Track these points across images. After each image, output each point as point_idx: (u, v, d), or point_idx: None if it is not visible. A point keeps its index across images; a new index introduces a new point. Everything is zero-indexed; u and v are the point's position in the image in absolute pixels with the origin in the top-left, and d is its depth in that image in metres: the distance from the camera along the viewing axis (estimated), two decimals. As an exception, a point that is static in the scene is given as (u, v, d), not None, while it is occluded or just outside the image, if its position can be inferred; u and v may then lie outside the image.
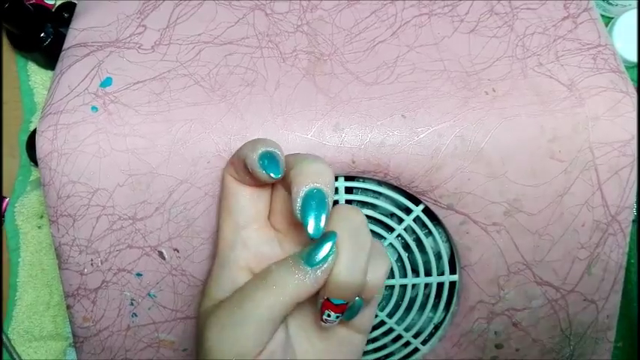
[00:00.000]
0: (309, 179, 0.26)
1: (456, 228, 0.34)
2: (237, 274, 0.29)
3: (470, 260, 0.35)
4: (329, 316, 0.27)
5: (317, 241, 0.26)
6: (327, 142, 0.33)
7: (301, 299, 0.27)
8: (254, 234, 0.29)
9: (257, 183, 0.29)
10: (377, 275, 0.28)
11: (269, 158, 0.27)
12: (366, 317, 0.30)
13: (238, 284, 0.28)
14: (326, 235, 0.26)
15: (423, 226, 0.35)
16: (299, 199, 0.26)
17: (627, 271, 0.38)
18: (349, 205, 0.29)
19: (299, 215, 0.26)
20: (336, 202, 0.35)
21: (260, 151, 0.27)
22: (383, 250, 0.29)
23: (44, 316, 0.47)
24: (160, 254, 0.34)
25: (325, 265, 0.26)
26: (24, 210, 0.48)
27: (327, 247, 0.26)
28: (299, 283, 0.26)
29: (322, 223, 0.26)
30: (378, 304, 0.37)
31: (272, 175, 0.27)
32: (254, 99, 0.33)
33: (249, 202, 0.29)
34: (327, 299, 0.27)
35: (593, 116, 0.33)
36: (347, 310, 0.28)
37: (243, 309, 0.27)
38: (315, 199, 0.26)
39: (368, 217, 0.35)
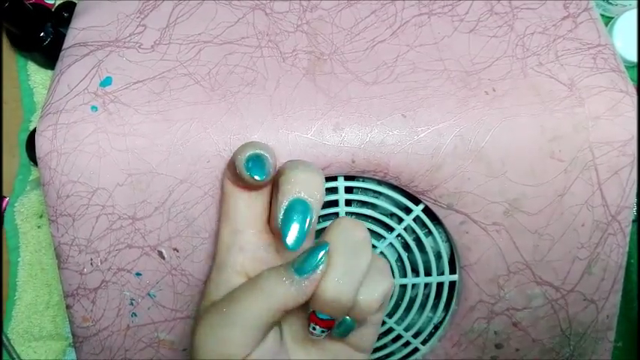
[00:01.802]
0: (295, 189, 0.26)
1: (456, 228, 0.34)
2: (234, 278, 0.29)
3: (470, 260, 0.35)
4: (314, 329, 0.27)
5: (309, 250, 0.26)
6: (327, 141, 0.33)
7: (288, 308, 0.26)
8: (251, 238, 0.29)
9: (249, 186, 0.28)
10: (372, 296, 0.27)
11: (254, 160, 0.26)
12: (365, 337, 0.29)
13: (234, 287, 0.28)
14: (318, 245, 0.26)
15: (423, 225, 0.35)
16: (282, 209, 0.26)
17: (627, 271, 0.38)
18: (354, 220, 0.28)
19: (279, 226, 0.26)
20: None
21: (247, 154, 0.27)
22: (386, 271, 0.28)
23: (44, 315, 0.47)
24: (160, 254, 0.34)
25: (312, 276, 0.25)
26: (23, 209, 0.47)
27: (317, 257, 0.25)
28: (286, 291, 0.26)
29: (301, 236, 0.25)
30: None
31: (256, 177, 0.26)
32: (254, 98, 0.33)
33: (245, 206, 0.29)
34: (313, 312, 0.27)
35: (593, 116, 0.33)
36: (336, 327, 0.27)
37: (231, 311, 0.26)
38: (297, 210, 0.25)
39: (367, 216, 0.35)
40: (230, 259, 0.29)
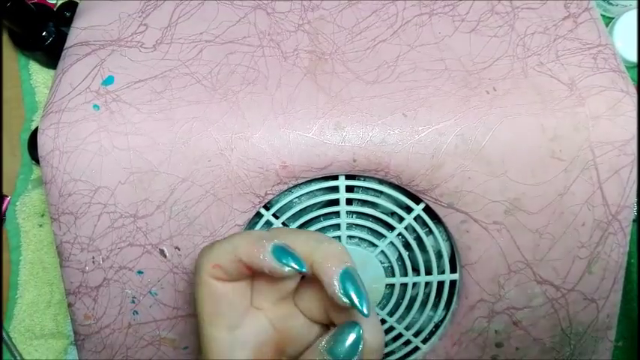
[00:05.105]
0: (340, 261, 0.25)
1: (457, 227, 0.34)
2: None
3: (470, 259, 0.35)
4: None
5: (339, 333, 0.25)
6: (328, 140, 0.33)
7: None
8: (249, 329, 0.28)
9: (249, 273, 0.27)
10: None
11: (284, 252, 0.25)
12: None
13: None
14: (349, 326, 0.26)
15: (424, 224, 0.35)
16: (337, 283, 0.25)
17: (627, 270, 0.38)
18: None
19: (343, 298, 0.25)
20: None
21: (271, 247, 0.25)
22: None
23: (45, 314, 0.47)
24: (161, 252, 0.34)
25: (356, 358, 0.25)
26: (25, 208, 0.48)
27: (351, 338, 0.25)
28: None
29: (368, 298, 0.25)
30: (379, 303, 0.37)
31: (294, 266, 0.25)
32: (255, 98, 0.34)
33: (240, 297, 0.27)
34: None
35: (593, 115, 0.33)
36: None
37: None
38: (353, 278, 0.25)
39: (369, 215, 0.35)
40: (235, 358, 0.27)
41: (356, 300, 0.25)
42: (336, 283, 0.25)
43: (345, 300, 0.25)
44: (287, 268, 0.25)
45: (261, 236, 0.26)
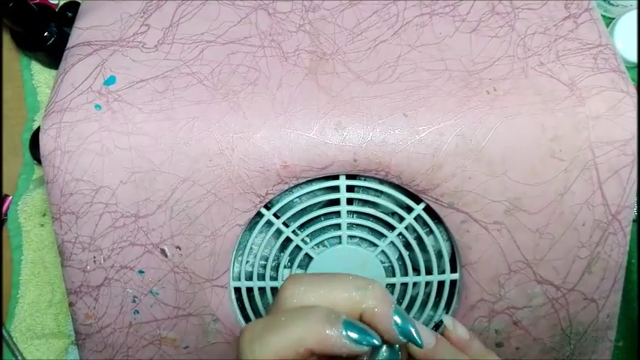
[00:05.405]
0: (388, 302, 0.25)
1: (457, 226, 0.34)
2: None
3: (470, 259, 0.35)
4: None
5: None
6: (329, 140, 0.33)
7: None
8: None
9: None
10: None
11: (356, 329, 0.24)
12: None
13: None
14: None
15: (424, 224, 0.35)
16: (394, 326, 0.25)
17: (627, 270, 0.38)
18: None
19: (400, 337, 0.25)
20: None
21: (343, 327, 0.24)
22: None
23: (46, 314, 0.47)
24: (162, 252, 0.35)
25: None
26: (27, 208, 0.48)
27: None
28: None
29: (418, 332, 0.26)
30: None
31: (375, 342, 0.24)
32: (256, 98, 0.34)
33: None
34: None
35: (593, 115, 0.33)
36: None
37: None
38: (402, 315, 0.25)
39: (369, 215, 0.35)
40: None
41: (415, 335, 0.25)
42: (394, 327, 0.25)
43: (405, 340, 0.25)
44: (362, 345, 0.24)
45: (323, 317, 0.24)
